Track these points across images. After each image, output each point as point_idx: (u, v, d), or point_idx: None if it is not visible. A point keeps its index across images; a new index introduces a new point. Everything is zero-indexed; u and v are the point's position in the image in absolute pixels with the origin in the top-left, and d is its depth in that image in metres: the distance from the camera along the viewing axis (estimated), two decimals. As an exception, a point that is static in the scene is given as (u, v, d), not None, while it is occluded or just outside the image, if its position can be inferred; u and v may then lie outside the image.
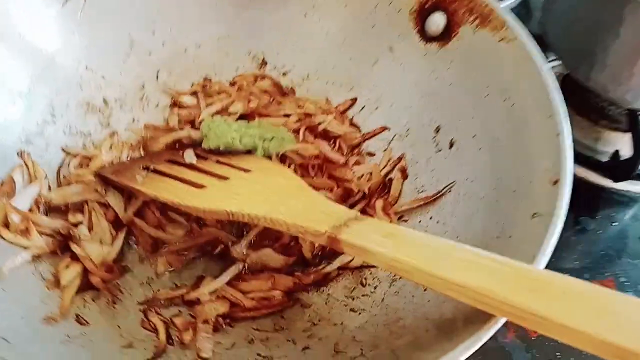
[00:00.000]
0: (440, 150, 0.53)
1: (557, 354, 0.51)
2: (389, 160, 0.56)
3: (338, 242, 0.37)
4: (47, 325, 0.40)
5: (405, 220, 0.52)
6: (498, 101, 0.48)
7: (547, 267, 0.35)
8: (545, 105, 0.43)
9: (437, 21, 0.54)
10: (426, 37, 0.56)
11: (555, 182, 0.39)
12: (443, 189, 0.50)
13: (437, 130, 0.54)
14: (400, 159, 0.55)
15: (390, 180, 0.54)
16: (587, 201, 0.62)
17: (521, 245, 0.38)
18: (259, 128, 0.53)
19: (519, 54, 0.47)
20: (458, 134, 0.52)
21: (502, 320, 0.32)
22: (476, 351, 0.49)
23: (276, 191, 0.45)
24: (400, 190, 0.54)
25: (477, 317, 0.33)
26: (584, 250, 0.59)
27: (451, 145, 0.52)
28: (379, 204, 0.52)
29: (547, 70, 0.45)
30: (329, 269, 0.48)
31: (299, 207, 0.41)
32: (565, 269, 0.55)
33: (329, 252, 0.49)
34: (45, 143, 0.53)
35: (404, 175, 0.54)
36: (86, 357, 0.38)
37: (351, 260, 0.48)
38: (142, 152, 0.56)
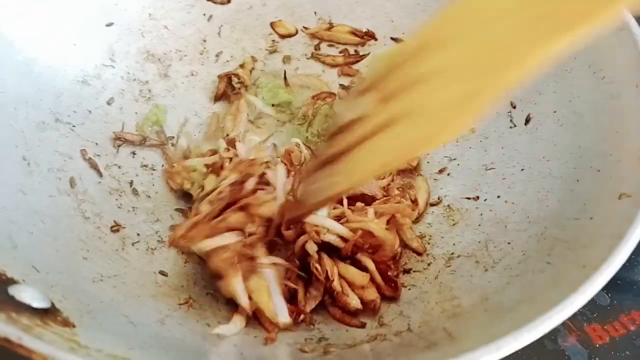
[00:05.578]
0: (514, 127, 0.48)
1: (624, 365, 0.46)
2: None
3: None
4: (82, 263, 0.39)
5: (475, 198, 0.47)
6: (585, 75, 0.44)
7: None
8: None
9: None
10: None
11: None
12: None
13: (514, 105, 0.49)
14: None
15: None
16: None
17: (605, 226, 0.34)
18: None
19: (612, 24, 0.42)
20: (537, 110, 0.47)
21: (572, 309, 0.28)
22: (533, 352, 0.47)
23: None
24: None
25: (546, 301, 0.29)
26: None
27: (527, 121, 0.48)
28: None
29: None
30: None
31: None
32: None
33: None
34: (101, 86, 0.52)
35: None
36: (113, 295, 0.36)
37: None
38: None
